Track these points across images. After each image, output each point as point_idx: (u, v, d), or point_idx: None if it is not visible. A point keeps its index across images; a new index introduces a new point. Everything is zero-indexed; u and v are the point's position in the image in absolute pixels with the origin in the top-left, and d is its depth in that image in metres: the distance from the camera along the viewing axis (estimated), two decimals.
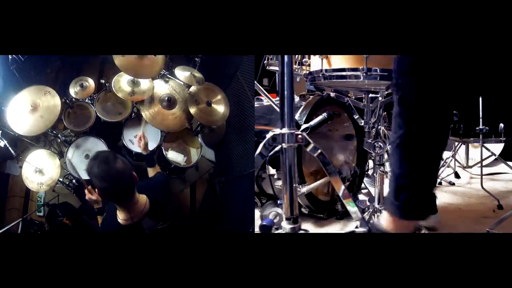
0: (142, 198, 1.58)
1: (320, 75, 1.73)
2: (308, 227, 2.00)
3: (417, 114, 1.13)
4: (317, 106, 2.06)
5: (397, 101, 1.16)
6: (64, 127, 2.58)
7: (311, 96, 2.16)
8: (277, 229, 1.33)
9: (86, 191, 1.82)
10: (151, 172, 2.11)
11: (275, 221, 1.36)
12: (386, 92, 1.84)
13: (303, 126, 1.83)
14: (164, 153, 2.53)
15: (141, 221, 1.56)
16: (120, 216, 1.53)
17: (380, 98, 1.85)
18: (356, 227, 1.38)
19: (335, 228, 2.00)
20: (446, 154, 3.09)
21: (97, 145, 2.47)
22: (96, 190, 1.45)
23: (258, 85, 2.21)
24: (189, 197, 3.04)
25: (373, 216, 1.80)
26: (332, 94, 2.06)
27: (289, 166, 1.27)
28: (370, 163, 2.42)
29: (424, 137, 1.14)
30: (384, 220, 1.27)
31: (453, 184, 2.94)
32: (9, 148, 2.25)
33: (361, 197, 2.32)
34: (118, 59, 2.19)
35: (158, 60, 2.39)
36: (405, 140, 1.16)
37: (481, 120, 2.48)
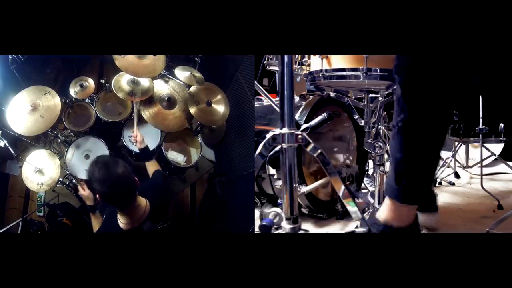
0: (142, 201, 1.57)
1: (320, 75, 1.73)
2: (308, 227, 2.00)
3: (419, 96, 1.13)
4: (317, 106, 2.06)
5: (399, 84, 1.16)
6: (64, 127, 2.58)
7: (311, 96, 2.16)
8: (277, 229, 1.33)
9: (78, 187, 1.86)
10: (149, 166, 2.10)
11: (275, 221, 1.36)
12: (386, 92, 1.83)
13: (303, 126, 1.83)
14: (164, 153, 2.53)
15: (142, 225, 1.55)
16: (122, 220, 1.53)
17: (380, 98, 1.84)
18: (356, 227, 1.38)
19: (335, 228, 1.99)
20: (446, 154, 3.09)
21: (97, 145, 2.47)
22: (97, 193, 1.44)
23: (258, 85, 2.20)
24: (189, 197, 3.04)
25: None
26: (332, 94, 2.05)
27: (289, 166, 1.27)
28: (370, 163, 2.42)
29: (425, 120, 1.14)
30: (385, 209, 1.28)
31: (453, 184, 2.94)
32: (9, 148, 2.25)
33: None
34: (118, 59, 2.20)
35: (158, 60, 2.39)
36: (407, 123, 1.16)
37: (481, 120, 2.48)
